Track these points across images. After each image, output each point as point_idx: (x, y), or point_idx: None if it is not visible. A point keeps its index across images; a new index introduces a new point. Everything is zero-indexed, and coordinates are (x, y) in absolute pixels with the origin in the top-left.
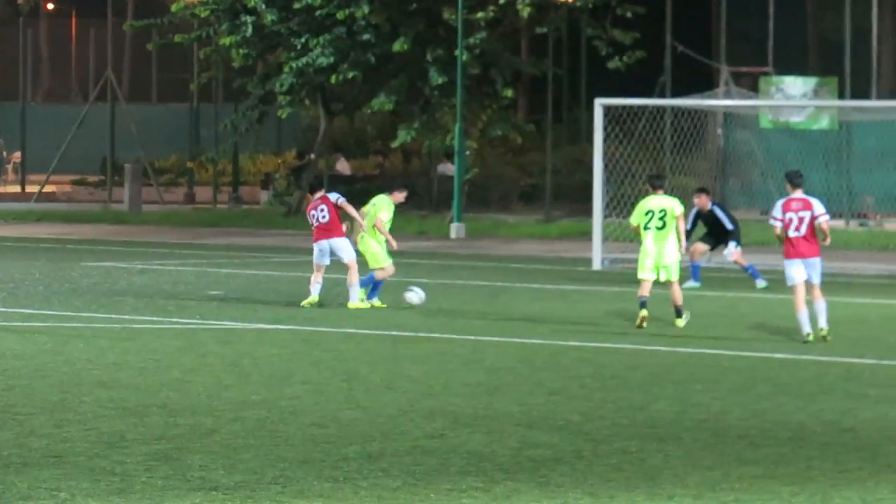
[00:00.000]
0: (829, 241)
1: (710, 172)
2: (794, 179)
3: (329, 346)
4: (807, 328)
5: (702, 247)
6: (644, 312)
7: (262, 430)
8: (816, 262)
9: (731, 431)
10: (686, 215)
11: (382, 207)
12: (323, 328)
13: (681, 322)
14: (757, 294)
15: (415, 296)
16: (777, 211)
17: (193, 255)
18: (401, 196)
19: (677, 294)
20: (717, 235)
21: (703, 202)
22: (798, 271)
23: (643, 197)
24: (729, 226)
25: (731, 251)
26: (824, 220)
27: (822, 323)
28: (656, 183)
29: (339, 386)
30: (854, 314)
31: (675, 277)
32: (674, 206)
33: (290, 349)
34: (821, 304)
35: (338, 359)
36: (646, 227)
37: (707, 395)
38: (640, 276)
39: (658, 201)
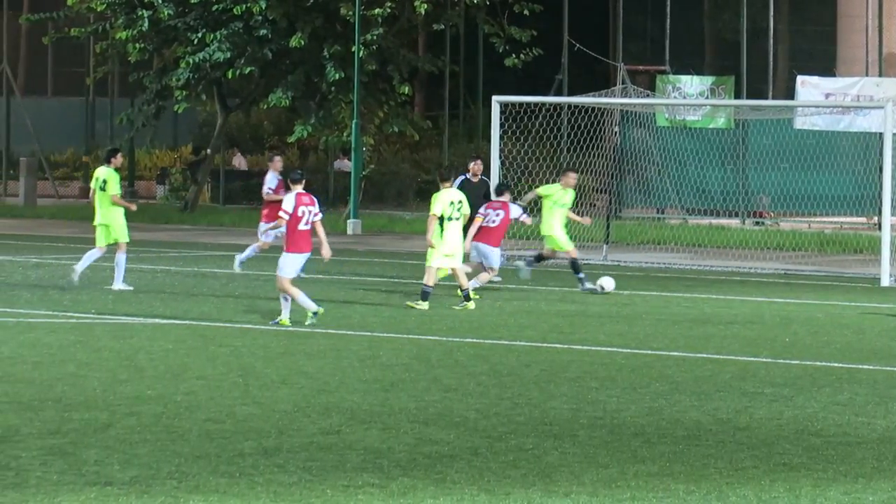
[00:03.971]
0: None
1: (607, 170)
2: None
3: (225, 342)
4: None
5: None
6: (425, 304)
7: (158, 426)
8: None
9: (627, 429)
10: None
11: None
12: (219, 323)
13: (471, 305)
14: (653, 293)
15: (609, 282)
16: None
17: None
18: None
19: (463, 279)
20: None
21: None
22: None
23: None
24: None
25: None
26: None
27: None
28: (444, 175)
29: (234, 381)
30: (749, 313)
31: (461, 264)
32: (464, 198)
33: (185, 344)
34: None
35: (233, 354)
36: (449, 218)
37: (603, 393)
38: (434, 264)
39: (457, 193)
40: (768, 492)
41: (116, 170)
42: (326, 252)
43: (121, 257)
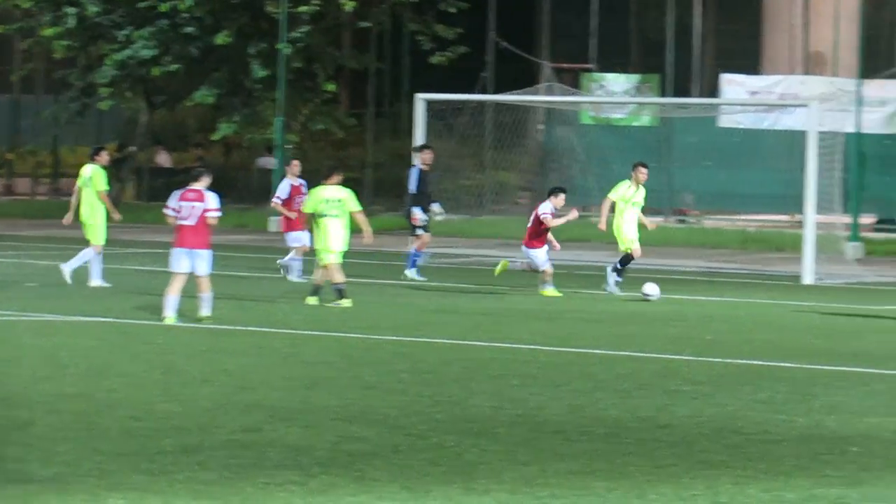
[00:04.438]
0: None
1: (531, 168)
2: None
3: (147, 339)
4: None
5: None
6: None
7: (79, 423)
8: None
9: (548, 427)
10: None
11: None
12: (141, 321)
13: (346, 303)
14: (576, 290)
15: (653, 290)
16: None
17: (11, 247)
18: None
19: (337, 276)
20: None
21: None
22: None
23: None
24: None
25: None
26: None
27: None
28: (326, 172)
29: (156, 379)
30: (671, 311)
31: (338, 260)
32: (348, 196)
33: (107, 342)
34: None
35: (155, 352)
36: (324, 215)
37: (524, 391)
38: (325, 260)
39: (334, 191)
40: (688, 489)
41: (103, 167)
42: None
43: (88, 252)
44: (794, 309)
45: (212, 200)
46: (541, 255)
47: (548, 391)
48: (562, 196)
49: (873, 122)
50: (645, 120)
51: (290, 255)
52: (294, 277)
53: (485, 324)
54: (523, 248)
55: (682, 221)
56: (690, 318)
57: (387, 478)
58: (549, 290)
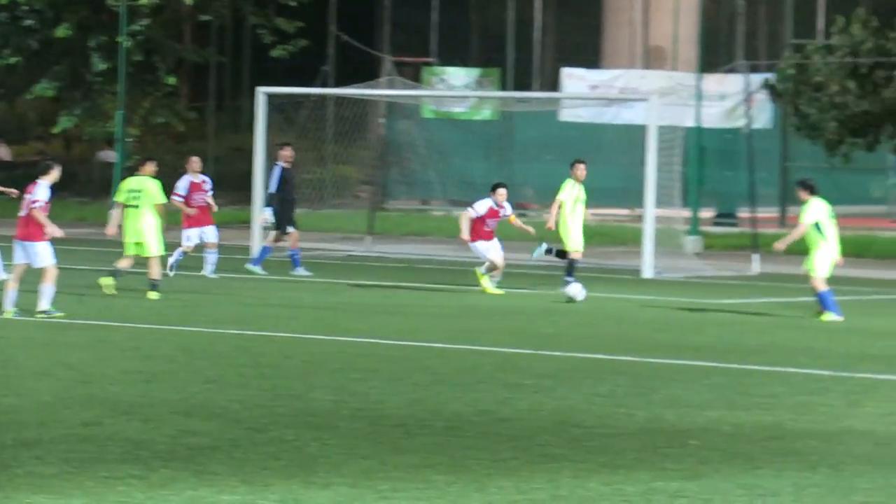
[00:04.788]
0: None
1: (372, 162)
2: None
3: None
4: None
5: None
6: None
7: None
8: None
9: (388, 420)
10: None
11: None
12: None
13: (154, 295)
14: (417, 284)
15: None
16: None
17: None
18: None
19: (154, 269)
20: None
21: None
22: None
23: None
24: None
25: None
26: None
27: None
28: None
29: None
30: (512, 305)
31: (154, 252)
32: (150, 186)
33: None
34: None
35: None
36: (126, 205)
37: (364, 384)
38: (129, 251)
39: (137, 182)
40: (528, 483)
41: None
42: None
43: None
44: (635, 303)
45: (37, 191)
46: (482, 249)
47: (388, 385)
48: (501, 191)
49: (712, 117)
50: (486, 114)
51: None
52: (208, 272)
53: (325, 318)
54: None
55: (523, 215)
56: (531, 311)
57: (227, 471)
58: (487, 284)
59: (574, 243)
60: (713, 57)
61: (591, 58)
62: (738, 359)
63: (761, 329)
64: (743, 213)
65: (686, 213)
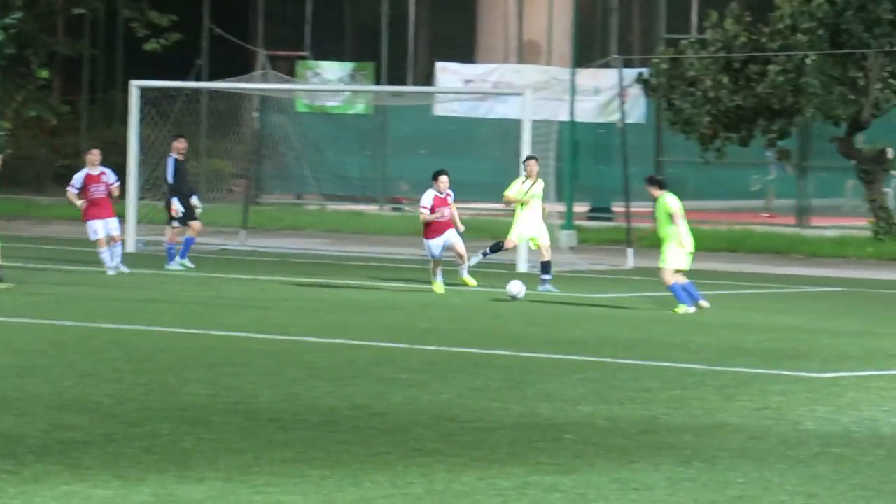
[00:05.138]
0: None
1: (246, 156)
2: None
3: None
4: None
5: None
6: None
7: None
8: None
9: (263, 415)
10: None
11: None
12: None
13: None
14: (292, 278)
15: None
16: None
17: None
18: None
19: None
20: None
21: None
22: None
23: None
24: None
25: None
26: None
27: None
28: None
29: None
30: (387, 299)
31: None
32: None
33: None
34: None
35: None
36: None
37: (239, 379)
38: None
39: None
40: (403, 477)
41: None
42: None
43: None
44: (510, 297)
45: None
46: (431, 245)
47: (263, 379)
48: (443, 178)
49: (586, 111)
50: (360, 108)
51: (106, 251)
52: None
53: (199, 312)
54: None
55: (398, 209)
56: (406, 306)
57: (101, 466)
58: (438, 283)
59: (514, 235)
60: (587, 52)
61: (465, 52)
62: (613, 353)
63: (635, 323)
64: (618, 207)
65: (560, 207)
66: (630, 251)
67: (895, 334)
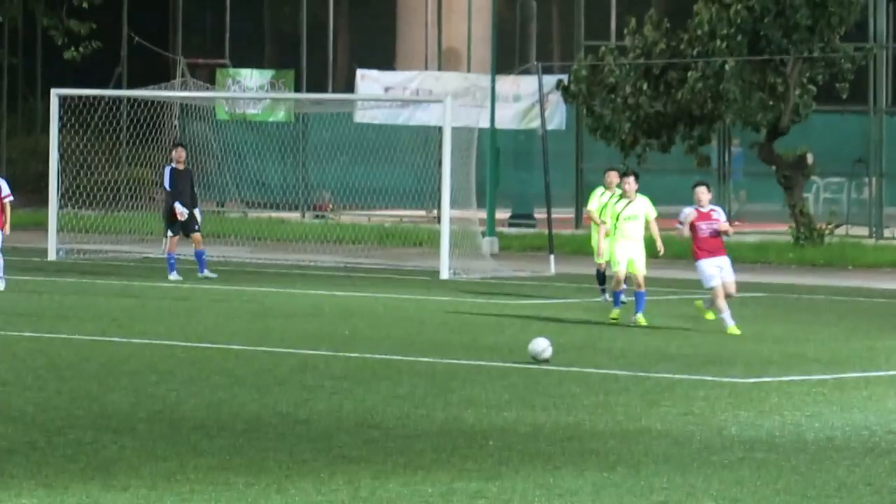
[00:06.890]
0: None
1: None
2: None
3: None
4: None
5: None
6: None
7: None
8: None
9: (187, 422)
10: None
11: None
12: None
13: None
14: (214, 286)
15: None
16: None
17: None
18: None
19: None
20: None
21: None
22: None
23: None
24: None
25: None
26: None
27: None
28: None
29: None
30: (310, 306)
31: None
32: None
33: None
34: None
35: None
36: None
37: (162, 387)
38: None
39: None
40: (328, 484)
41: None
42: None
43: None
44: (432, 304)
45: None
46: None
47: (186, 387)
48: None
49: (507, 118)
50: (280, 116)
51: None
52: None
53: (122, 320)
54: None
55: (319, 217)
56: (329, 313)
57: (25, 475)
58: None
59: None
60: (507, 58)
61: (385, 59)
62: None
63: (558, 329)
64: (539, 213)
65: (482, 213)
66: (552, 257)
67: (817, 339)
